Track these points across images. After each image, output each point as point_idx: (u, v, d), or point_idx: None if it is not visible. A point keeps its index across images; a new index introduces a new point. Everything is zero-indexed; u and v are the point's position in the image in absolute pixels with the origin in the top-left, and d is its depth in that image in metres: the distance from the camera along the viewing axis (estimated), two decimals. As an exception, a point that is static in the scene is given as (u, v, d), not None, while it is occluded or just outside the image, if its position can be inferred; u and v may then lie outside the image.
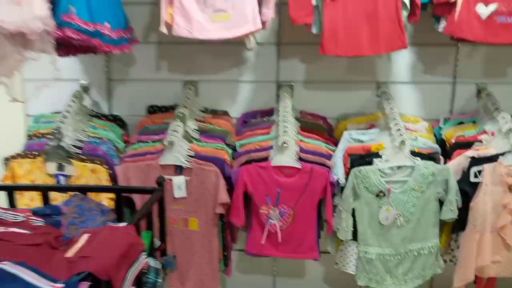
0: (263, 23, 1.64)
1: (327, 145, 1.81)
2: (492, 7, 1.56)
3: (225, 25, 1.60)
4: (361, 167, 1.67)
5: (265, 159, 1.70)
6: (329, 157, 1.75)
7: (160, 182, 1.41)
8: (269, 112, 1.98)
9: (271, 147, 1.74)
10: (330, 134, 1.95)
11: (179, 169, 1.67)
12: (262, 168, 1.68)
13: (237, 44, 1.78)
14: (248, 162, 1.71)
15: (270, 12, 1.64)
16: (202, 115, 1.95)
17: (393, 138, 1.70)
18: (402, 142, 1.65)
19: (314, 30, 1.66)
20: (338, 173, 1.71)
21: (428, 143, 1.79)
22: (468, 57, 1.94)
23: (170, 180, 1.65)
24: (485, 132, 1.80)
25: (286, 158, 1.68)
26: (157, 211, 1.37)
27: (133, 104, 2.07)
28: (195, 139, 1.77)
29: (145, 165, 1.67)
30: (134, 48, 1.80)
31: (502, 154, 1.67)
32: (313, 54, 1.77)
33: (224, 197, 1.67)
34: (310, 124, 1.93)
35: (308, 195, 1.69)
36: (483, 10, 1.56)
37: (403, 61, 1.97)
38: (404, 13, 1.58)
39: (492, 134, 1.77)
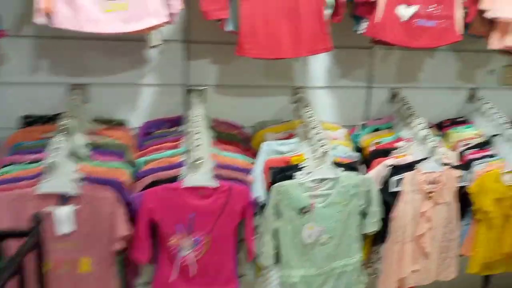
0: (170, 16, 1.38)
1: (245, 158, 1.62)
2: (413, 9, 1.51)
3: (122, 17, 1.30)
4: (283, 182, 1.51)
5: (175, 178, 1.44)
6: (248, 171, 1.56)
7: (38, 220, 1.07)
8: (177, 121, 1.71)
9: (181, 164, 1.48)
10: (248, 145, 1.76)
11: (64, 198, 1.32)
12: (172, 191, 1.41)
13: (137, 40, 1.50)
14: (154, 183, 1.43)
15: (177, 3, 1.39)
16: (94, 127, 1.60)
17: (314, 148, 1.58)
18: (324, 153, 1.53)
19: (229, 27, 1.44)
20: (259, 189, 1.53)
21: (348, 152, 1.71)
22: (383, 61, 1.91)
23: (52, 213, 1.29)
24: (401, 138, 1.78)
25: (201, 176, 1.44)
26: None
27: (1, 115, 1.63)
28: (85, 158, 1.43)
29: (16, 195, 1.29)
30: (2, 42, 1.41)
31: (420, 161, 1.65)
32: (228, 55, 1.56)
33: (123, 229, 1.36)
34: (225, 134, 1.72)
35: (226, 218, 1.47)
36: (404, 12, 1.50)
37: (319, 64, 1.86)
38: (328, 12, 1.46)
39: (408, 140, 1.75)
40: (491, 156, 1.75)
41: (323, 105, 1.91)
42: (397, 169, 1.63)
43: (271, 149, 1.64)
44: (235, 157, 1.60)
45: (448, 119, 1.99)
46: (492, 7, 1.54)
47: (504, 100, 2.04)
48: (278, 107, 1.87)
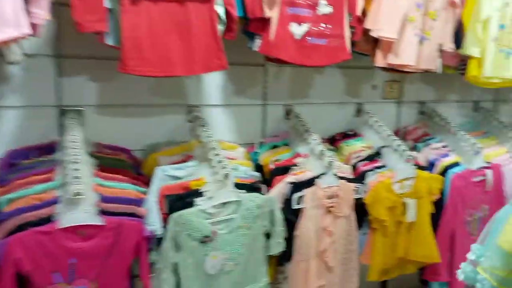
0: (33, 27, 1.15)
1: (136, 187, 1.43)
2: (305, 27, 1.51)
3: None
4: (182, 212, 1.36)
5: (48, 219, 1.19)
6: (140, 202, 1.38)
7: None
8: (50, 148, 1.45)
9: (56, 200, 1.24)
10: (138, 171, 1.57)
11: None
12: (45, 234, 1.16)
13: (-9, 54, 1.22)
14: (21, 227, 1.16)
15: (42, 13, 1.16)
16: None
17: (215, 170, 1.47)
18: (226, 175, 1.43)
19: (109, 41, 1.26)
20: (154, 221, 1.36)
21: (248, 172, 1.64)
22: (276, 78, 1.90)
23: None
24: (299, 154, 1.77)
25: (81, 214, 1.21)
26: None
27: None
28: None
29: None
30: None
31: (319, 176, 1.65)
32: (110, 71, 1.38)
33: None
34: (111, 160, 1.51)
35: (116, 259, 1.27)
36: (297, 30, 1.49)
37: (214, 81, 1.77)
38: (220, 28, 1.37)
39: (306, 156, 1.75)
40: (381, 167, 1.84)
41: (220, 124, 1.81)
42: (298, 186, 1.61)
43: (166, 175, 1.48)
44: (124, 187, 1.41)
45: (339, 133, 2.06)
46: (375, 27, 1.62)
47: (387, 113, 2.21)
48: (172, 127, 1.72)
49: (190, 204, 1.39)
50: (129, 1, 1.24)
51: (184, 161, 1.58)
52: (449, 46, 1.79)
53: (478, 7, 1.83)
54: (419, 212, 1.83)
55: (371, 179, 1.78)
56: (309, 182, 1.63)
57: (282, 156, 1.76)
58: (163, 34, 1.29)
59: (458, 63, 1.97)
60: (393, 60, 1.68)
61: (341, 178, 1.69)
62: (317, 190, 1.62)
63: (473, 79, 1.92)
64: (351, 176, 1.77)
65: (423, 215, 1.84)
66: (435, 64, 1.80)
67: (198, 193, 1.42)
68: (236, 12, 1.38)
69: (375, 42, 1.72)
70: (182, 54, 1.31)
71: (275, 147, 1.84)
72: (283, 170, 1.67)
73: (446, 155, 2.02)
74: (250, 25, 1.47)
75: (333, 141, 2.02)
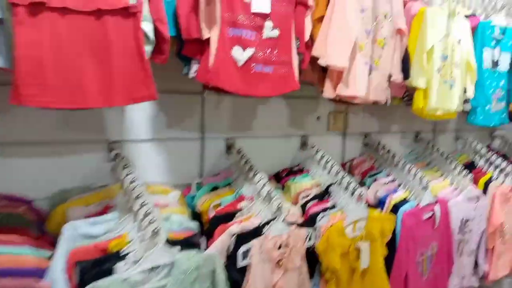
0: None
1: (37, 252, 1.09)
2: (249, 52, 1.30)
3: None
4: (98, 282, 1.05)
5: None
6: (41, 273, 1.04)
7: None
8: None
9: None
10: (41, 229, 1.22)
11: None
12: None
13: None
14: None
15: None
16: None
17: (141, 225, 1.18)
18: (155, 232, 1.14)
19: (-5, 63, 0.95)
20: (59, 300, 1.03)
21: (184, 222, 1.36)
22: (215, 108, 1.67)
23: None
24: (243, 197, 1.53)
25: None
26: None
27: None
28: None
29: None
30: None
31: (267, 223, 1.42)
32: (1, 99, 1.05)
33: None
34: (3, 216, 1.15)
35: None
36: (240, 56, 1.28)
37: (141, 112, 1.49)
38: (148, 49, 1.11)
39: (251, 198, 1.52)
40: (331, 207, 1.66)
41: (149, 163, 1.53)
42: (244, 237, 1.37)
43: (78, 233, 1.16)
44: (19, 253, 1.06)
45: (285, 169, 1.87)
46: (324, 55, 1.46)
47: (332, 145, 2.07)
48: (87, 169, 1.40)
49: (108, 272, 1.08)
50: (25, 10, 0.94)
51: (102, 213, 1.26)
52: (398, 76, 1.69)
53: (422, 37, 1.77)
54: (372, 256, 1.67)
55: (322, 222, 1.59)
56: (256, 232, 1.40)
57: (224, 199, 1.51)
58: (73, 55, 1.00)
59: (403, 94, 1.89)
60: (343, 91, 1.53)
61: (291, 224, 1.49)
62: (266, 241, 1.39)
63: (419, 110, 1.85)
64: (301, 220, 1.57)
65: (377, 259, 1.69)
66: (384, 95, 1.69)
67: (119, 257, 1.12)
68: (167, 31, 1.13)
69: (323, 71, 1.57)
70: (98, 81, 1.03)
71: (215, 188, 1.58)
72: (226, 217, 1.42)
73: (395, 191, 1.91)
74: (185, 47, 1.22)
75: (279, 178, 1.82)
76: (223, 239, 1.36)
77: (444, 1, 1.88)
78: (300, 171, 1.86)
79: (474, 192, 2.12)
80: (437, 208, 1.91)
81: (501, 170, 2.36)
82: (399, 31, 1.66)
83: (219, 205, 1.49)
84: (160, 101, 1.47)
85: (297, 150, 1.94)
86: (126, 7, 1.05)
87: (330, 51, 1.45)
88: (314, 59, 1.49)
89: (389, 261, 1.76)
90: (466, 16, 1.97)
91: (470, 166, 2.44)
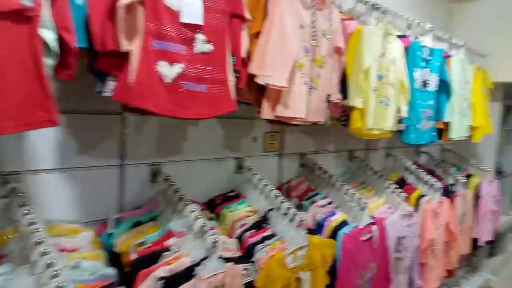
0: None
1: None
2: (178, 68, 1.12)
3: None
4: None
5: None
6: None
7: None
8: None
9: None
10: None
11: None
12: None
13: None
14: None
15: None
16: None
17: (41, 280, 0.94)
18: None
19: None
20: None
21: (98, 269, 1.13)
22: (137, 130, 1.45)
23: None
24: (171, 233, 1.34)
25: None
26: None
27: None
28: None
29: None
30: None
31: (200, 262, 1.24)
32: None
33: None
34: None
35: None
36: (168, 72, 1.10)
37: (43, 137, 1.23)
38: (49, 62, 0.88)
39: (181, 234, 1.33)
40: (270, 236, 1.53)
41: (55, 198, 1.27)
42: (173, 282, 1.17)
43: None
44: None
45: (219, 195, 1.70)
46: (262, 73, 1.33)
47: (269, 167, 1.95)
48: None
49: None
50: None
51: (-12, 267, 1.00)
52: (336, 96, 1.62)
53: (359, 56, 1.73)
54: (314, 286, 1.56)
55: (261, 254, 1.44)
56: (188, 273, 1.21)
57: (149, 237, 1.30)
58: None
59: (340, 114, 1.83)
60: (282, 112, 1.41)
61: (228, 259, 1.32)
62: (199, 284, 1.20)
63: (357, 130, 1.80)
64: (238, 254, 1.41)
65: (319, 288, 1.58)
66: (323, 116, 1.61)
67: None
68: (74, 41, 0.92)
69: (260, 89, 1.44)
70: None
71: (138, 223, 1.36)
72: (151, 259, 1.22)
73: (333, 214, 1.84)
74: (100, 60, 1.01)
75: (213, 206, 1.65)
76: (148, 285, 1.15)
77: (378, 21, 1.87)
78: (236, 197, 1.70)
79: (407, 209, 2.12)
80: (375, 228, 1.86)
81: (430, 186, 2.42)
82: (337, 50, 1.59)
83: (143, 244, 1.28)
84: (69, 123, 1.25)
85: (232, 174, 1.79)
86: (18, 9, 0.82)
87: (269, 69, 1.33)
88: (250, 77, 1.35)
89: (330, 288, 1.67)
90: (399, 37, 1.97)
91: (401, 182, 2.47)
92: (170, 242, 1.29)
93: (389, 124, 1.91)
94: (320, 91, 1.55)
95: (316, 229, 1.77)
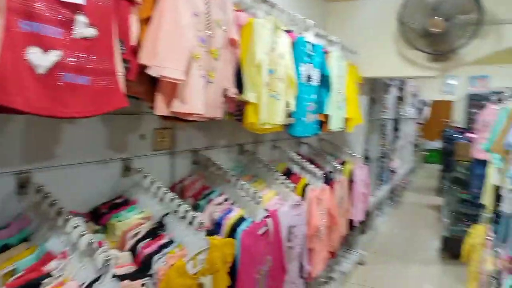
0: None
1: None
2: (54, 55, 0.91)
3: None
4: None
5: None
6: None
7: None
8: None
9: None
10: None
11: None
12: None
13: None
14: None
15: None
16: None
17: None
18: None
19: None
20: None
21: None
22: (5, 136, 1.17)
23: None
24: (50, 255, 1.11)
25: None
26: None
27: None
28: None
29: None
30: None
31: (90, 285, 1.06)
32: None
33: None
34: None
35: None
36: (39, 60, 0.88)
37: None
38: None
39: (64, 255, 1.12)
40: (168, 244, 1.40)
41: None
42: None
43: None
44: None
45: (105, 203, 1.49)
46: (155, 64, 1.18)
47: (160, 167, 1.80)
48: None
49: None
50: None
51: None
52: (233, 91, 1.55)
53: (252, 50, 1.69)
54: (216, 289, 1.49)
55: (159, 265, 1.31)
56: (77, 301, 1.02)
57: (21, 262, 1.06)
58: None
59: (235, 109, 1.78)
60: (179, 107, 1.29)
61: (122, 277, 1.16)
62: (91, 311, 1.03)
63: (251, 125, 1.77)
64: (133, 269, 1.26)
65: (221, 292, 1.52)
66: (220, 111, 1.53)
67: None
68: None
69: (151, 82, 1.29)
70: None
71: (5, 247, 1.10)
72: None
73: (230, 211, 1.79)
74: None
75: (98, 216, 1.44)
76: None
77: (267, 14, 1.85)
78: (125, 203, 1.52)
79: (296, 199, 2.19)
80: (269, 221, 1.88)
81: (313, 175, 2.56)
82: (232, 42, 1.52)
83: (14, 272, 1.04)
84: None
85: (119, 178, 1.59)
86: None
87: (163, 59, 1.19)
88: (141, 68, 1.20)
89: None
90: (287, 31, 2.00)
91: (288, 173, 2.55)
92: (50, 266, 1.07)
93: (280, 118, 1.92)
94: (216, 84, 1.47)
95: (214, 229, 1.70)
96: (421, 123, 8.45)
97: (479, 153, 2.41)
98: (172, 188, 1.81)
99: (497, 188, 1.95)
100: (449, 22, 2.79)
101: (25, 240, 1.15)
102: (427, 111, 8.70)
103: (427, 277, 3.61)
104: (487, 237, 1.95)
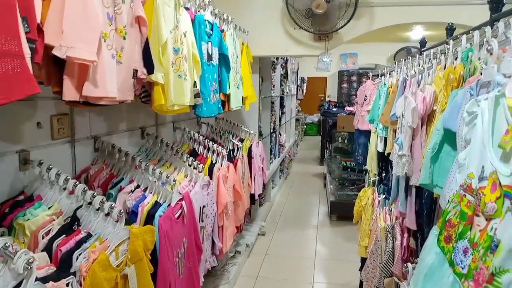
0: None
1: None
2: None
3: None
4: None
5: None
6: None
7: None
8: None
9: None
10: None
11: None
12: None
13: None
14: None
15: None
16: None
17: None
18: None
19: None
20: None
21: None
22: None
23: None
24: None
25: None
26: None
27: None
28: None
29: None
30: None
31: None
32: None
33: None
34: None
35: None
36: None
37: None
38: None
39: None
40: (86, 238, 1.31)
41: None
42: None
43: None
44: None
45: (5, 201, 1.32)
46: (61, 43, 1.07)
47: (61, 157, 1.64)
48: None
49: None
50: None
51: None
52: (142, 72, 1.48)
53: (157, 29, 1.62)
54: (140, 278, 1.45)
55: (81, 261, 1.23)
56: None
57: None
58: None
59: (140, 90, 1.70)
60: (90, 91, 1.18)
61: (44, 279, 1.06)
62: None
63: (160, 108, 1.72)
64: (53, 269, 1.15)
65: (145, 280, 1.48)
66: (131, 93, 1.45)
67: None
68: None
69: (55, 65, 1.16)
70: None
71: None
72: None
73: (144, 197, 1.73)
74: None
75: (0, 217, 1.27)
76: None
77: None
78: (29, 200, 1.36)
79: (205, 179, 2.22)
80: (184, 204, 1.87)
81: (218, 154, 2.60)
82: (138, 19, 1.44)
83: None
84: None
85: (17, 172, 1.41)
86: None
87: (71, 38, 1.07)
88: (48, 50, 1.07)
89: (153, 275, 1.59)
90: (186, 9, 1.96)
91: (193, 154, 2.55)
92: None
93: (187, 99, 1.90)
94: (125, 65, 1.38)
95: (129, 217, 1.64)
96: (300, 99, 9.09)
97: (361, 124, 2.73)
98: (76, 179, 1.68)
99: (380, 155, 2.24)
100: (330, 3, 3.04)
101: None
102: (304, 88, 9.40)
103: (320, 239, 4.00)
104: (376, 198, 2.24)
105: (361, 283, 2.55)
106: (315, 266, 3.40)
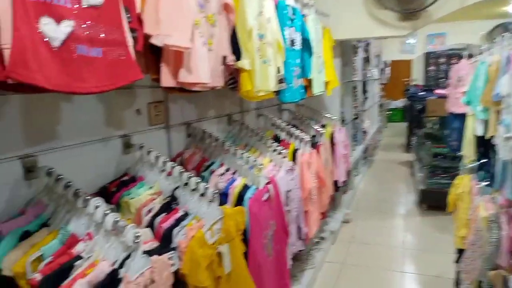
0: None
1: None
2: (67, 27, 0.85)
3: None
4: None
5: None
6: None
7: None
8: None
9: None
10: None
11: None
12: None
13: None
14: None
15: None
16: None
17: None
18: None
19: None
20: None
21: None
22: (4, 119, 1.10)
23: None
24: (75, 237, 1.08)
25: None
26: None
27: None
28: None
29: None
30: None
31: (122, 264, 1.04)
32: None
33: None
34: None
35: None
36: (53, 32, 0.82)
37: None
38: None
39: (90, 236, 1.09)
40: (184, 216, 1.40)
41: None
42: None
43: None
44: None
45: (112, 181, 1.46)
46: (158, 32, 1.14)
47: (157, 141, 1.76)
48: None
49: None
50: None
51: None
52: (231, 58, 1.52)
53: (242, 15, 1.65)
54: (233, 257, 1.51)
55: (180, 238, 1.31)
56: (112, 280, 1.00)
57: (47, 248, 1.02)
58: None
59: (228, 77, 1.75)
60: (185, 77, 1.25)
61: (150, 252, 1.15)
62: (128, 287, 1.02)
63: (247, 93, 1.75)
64: (156, 244, 1.24)
65: (238, 259, 1.54)
66: (221, 80, 1.50)
67: None
68: None
69: (153, 53, 1.24)
70: None
71: (26, 234, 1.06)
72: (61, 274, 0.97)
73: (234, 180, 1.79)
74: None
75: (108, 195, 1.40)
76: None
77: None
78: (132, 180, 1.49)
79: (289, 164, 2.22)
80: (271, 187, 1.90)
81: (301, 140, 2.59)
82: (225, 7, 1.48)
83: (42, 258, 1.00)
84: None
85: (121, 155, 1.55)
86: None
87: (167, 27, 1.14)
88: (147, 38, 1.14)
89: (244, 255, 1.64)
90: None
91: (276, 140, 2.57)
92: (78, 248, 1.05)
93: (272, 84, 1.92)
94: (215, 52, 1.43)
95: (221, 198, 1.70)
96: (383, 84, 8.69)
97: (456, 107, 2.52)
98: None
99: (478, 139, 2.05)
100: (419, -22, 2.84)
101: (44, 225, 1.10)
102: (388, 72, 8.96)
103: (408, 228, 3.82)
104: (476, 185, 2.06)
105: (457, 275, 2.38)
106: (404, 255, 3.25)
